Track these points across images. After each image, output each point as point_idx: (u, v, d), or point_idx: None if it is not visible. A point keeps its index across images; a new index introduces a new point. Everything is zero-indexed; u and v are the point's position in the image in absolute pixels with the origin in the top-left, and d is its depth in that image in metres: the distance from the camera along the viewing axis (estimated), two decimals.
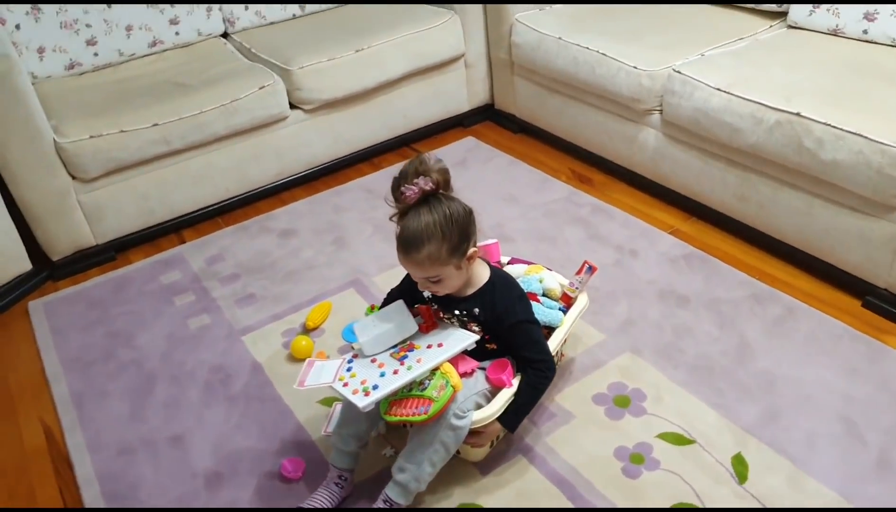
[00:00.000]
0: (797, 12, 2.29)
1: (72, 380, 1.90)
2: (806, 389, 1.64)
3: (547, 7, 2.77)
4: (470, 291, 1.47)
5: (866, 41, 2.14)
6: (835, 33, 2.21)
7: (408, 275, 1.57)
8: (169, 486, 1.57)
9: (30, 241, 2.27)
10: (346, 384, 1.38)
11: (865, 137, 1.68)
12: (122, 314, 2.12)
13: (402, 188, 1.32)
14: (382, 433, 1.63)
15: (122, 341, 2.02)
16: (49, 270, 2.34)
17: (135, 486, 1.58)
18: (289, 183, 2.71)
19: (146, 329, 2.06)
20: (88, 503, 1.54)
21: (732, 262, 2.09)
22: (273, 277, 2.23)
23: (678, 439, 1.57)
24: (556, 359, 1.67)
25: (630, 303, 1.97)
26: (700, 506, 1.42)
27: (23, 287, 2.26)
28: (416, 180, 1.31)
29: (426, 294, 1.51)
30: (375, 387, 1.34)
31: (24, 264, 2.26)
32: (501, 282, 1.49)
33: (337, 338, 1.95)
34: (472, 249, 1.39)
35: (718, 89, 2.00)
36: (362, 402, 1.31)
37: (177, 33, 2.81)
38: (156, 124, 2.29)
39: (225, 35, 2.95)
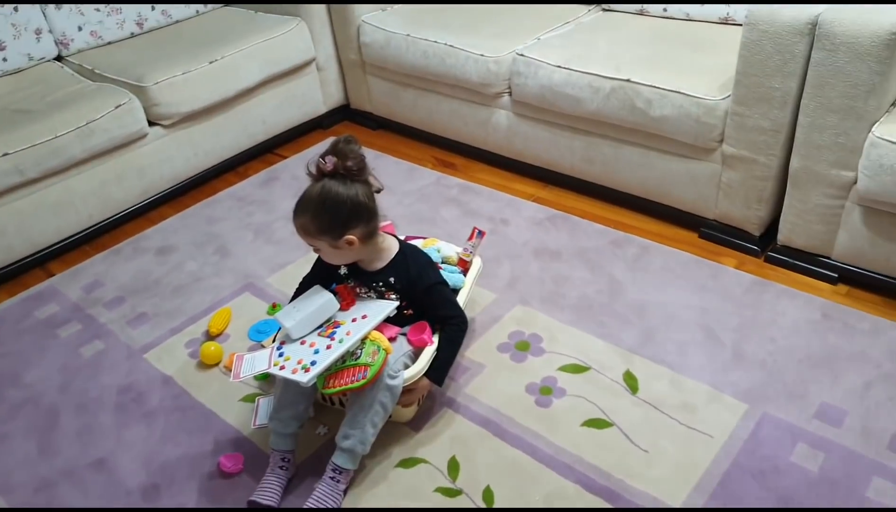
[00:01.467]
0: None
1: None
2: (669, 309, 1.93)
3: (388, 7, 2.93)
4: (382, 264, 1.59)
5: (667, 17, 2.52)
6: (641, 13, 2.58)
7: (318, 259, 1.66)
8: (102, 507, 1.54)
9: None
10: (282, 367, 1.44)
11: (684, 94, 2.01)
12: (0, 356, 1.99)
13: (318, 158, 1.43)
14: (311, 415, 1.70)
15: (7, 383, 1.90)
16: None
17: None
18: (155, 201, 2.65)
19: (33, 366, 1.95)
20: None
21: (589, 216, 2.37)
22: (161, 294, 2.19)
23: (576, 368, 1.79)
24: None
25: (511, 263, 2.18)
26: (607, 419, 1.64)
27: None
28: (327, 157, 1.42)
29: (342, 270, 1.61)
30: (314, 363, 1.42)
31: None
32: (411, 251, 1.63)
33: (243, 340, 1.97)
34: (349, 236, 1.47)
35: (559, 66, 2.27)
36: (304, 377, 1.39)
37: (4, 59, 2.64)
38: (6, 154, 2.16)
39: (59, 58, 2.81)
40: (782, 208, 2.00)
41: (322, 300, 1.56)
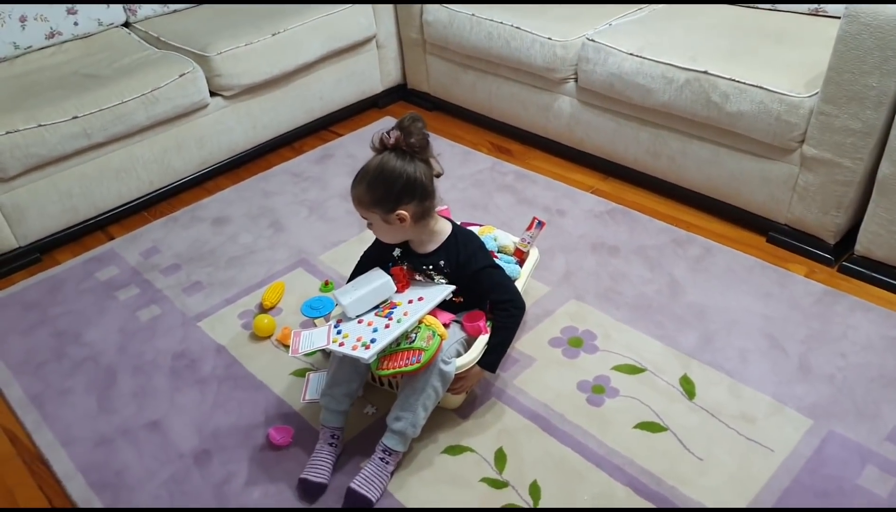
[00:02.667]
0: None
1: (25, 382, 1.81)
2: (731, 315, 1.87)
3: None
4: (433, 247, 1.57)
5: (750, 5, 2.41)
6: None
7: (376, 238, 1.64)
8: (157, 468, 1.57)
9: None
10: (341, 344, 1.44)
11: (765, 89, 1.92)
12: (64, 314, 2.04)
13: (383, 132, 1.44)
14: (360, 394, 1.69)
15: (70, 340, 1.95)
16: None
17: (120, 472, 1.56)
18: (212, 171, 2.67)
19: (93, 325, 1.99)
20: (74, 495, 1.51)
21: (651, 213, 2.30)
22: (216, 264, 2.21)
23: (631, 369, 1.74)
24: None
25: (567, 256, 2.13)
26: (661, 423, 1.60)
27: None
28: (391, 131, 1.42)
29: (395, 252, 1.59)
30: (373, 340, 1.41)
31: None
32: (462, 235, 1.60)
33: (296, 315, 1.98)
34: (400, 212, 1.46)
35: (631, 54, 2.20)
36: (366, 354, 1.39)
37: (75, 24, 2.68)
38: (75, 117, 2.20)
39: (127, 24, 2.85)
40: (864, 217, 1.90)
41: (379, 281, 1.54)
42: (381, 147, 1.47)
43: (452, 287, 1.55)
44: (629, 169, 2.44)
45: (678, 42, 2.19)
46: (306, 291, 2.06)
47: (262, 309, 2.00)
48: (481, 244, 1.64)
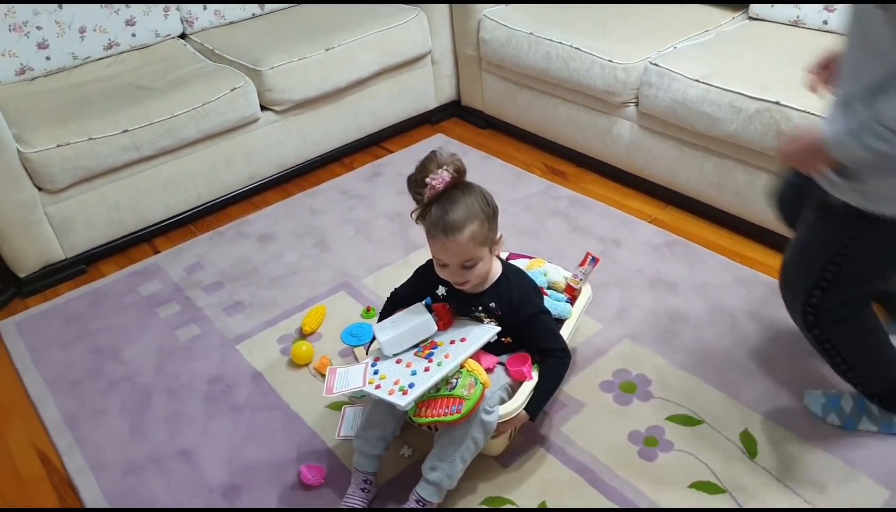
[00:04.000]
0: (758, 5, 2.39)
1: (60, 400, 1.80)
2: (800, 366, 1.72)
3: (513, 3, 2.79)
4: (483, 287, 1.48)
5: (826, 31, 2.25)
6: (795, 24, 2.32)
7: (415, 274, 1.57)
8: (184, 500, 1.52)
9: None
10: (378, 387, 1.36)
11: None
12: (104, 329, 2.03)
13: (428, 180, 1.32)
14: (397, 434, 1.62)
15: (108, 357, 1.93)
16: (16, 288, 2.22)
17: (149, 503, 1.52)
18: (261, 186, 2.65)
19: (132, 343, 1.97)
20: None
21: (713, 247, 2.17)
22: (259, 284, 2.17)
23: (688, 420, 1.62)
24: None
25: (621, 292, 2.02)
26: (718, 484, 1.47)
27: None
28: (438, 171, 1.32)
29: (440, 292, 1.51)
30: (412, 385, 1.33)
31: None
32: (514, 274, 1.51)
33: (335, 342, 1.92)
34: (499, 233, 1.42)
35: (696, 80, 2.07)
36: (403, 401, 1.31)
37: (133, 35, 2.70)
38: (125, 130, 2.20)
39: (183, 36, 2.86)
40: None
41: (420, 319, 1.47)
42: (438, 191, 1.34)
43: (497, 328, 1.46)
44: (691, 198, 2.31)
45: (748, 69, 2.06)
46: (348, 317, 2.00)
47: (302, 334, 1.94)
48: (533, 284, 1.55)
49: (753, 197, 2.09)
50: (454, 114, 3.15)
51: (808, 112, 1.83)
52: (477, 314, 1.49)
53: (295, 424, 1.68)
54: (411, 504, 1.40)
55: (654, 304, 1.96)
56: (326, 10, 2.92)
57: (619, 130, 2.42)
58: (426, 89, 2.98)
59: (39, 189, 2.13)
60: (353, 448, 1.47)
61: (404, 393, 1.32)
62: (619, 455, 1.55)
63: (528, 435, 1.60)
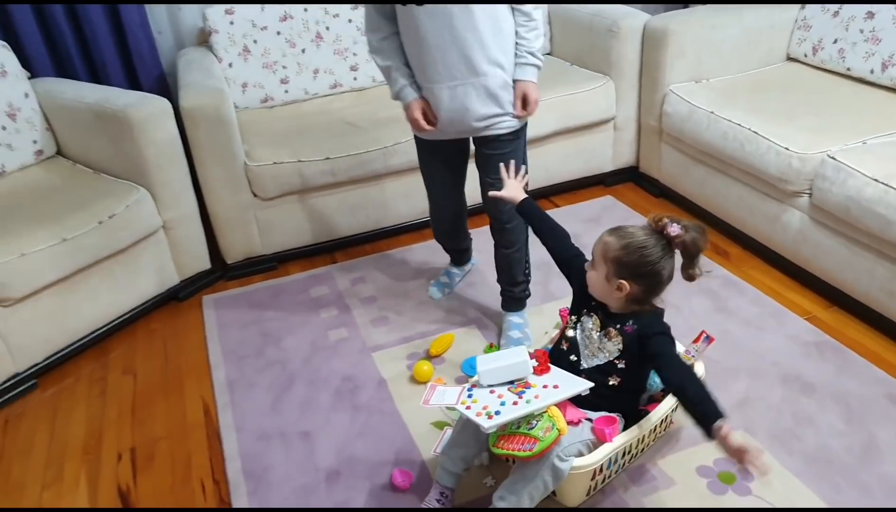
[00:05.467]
0: None
1: (228, 368, 2.18)
2: None
3: (703, 81, 2.82)
4: (628, 310, 1.60)
5: None
6: None
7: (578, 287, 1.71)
8: (294, 475, 1.77)
9: (212, 244, 2.63)
10: (468, 407, 1.52)
11: None
12: (275, 319, 2.40)
13: (671, 221, 1.52)
14: (486, 464, 1.73)
15: (271, 342, 2.28)
16: (223, 271, 2.69)
17: (267, 469, 1.80)
18: (428, 221, 2.91)
19: (293, 334, 2.31)
20: (231, 476, 1.78)
21: (871, 357, 2.01)
22: (406, 304, 2.42)
23: None
24: (664, 426, 1.71)
25: (750, 381, 1.95)
26: None
27: (201, 282, 2.63)
28: (682, 224, 1.51)
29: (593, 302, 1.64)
30: (498, 412, 1.46)
31: (205, 263, 2.63)
32: (656, 314, 1.62)
33: (455, 368, 2.09)
34: (622, 283, 1.54)
35: (875, 180, 1.96)
36: (487, 423, 1.44)
37: (355, 78, 3.14)
38: (328, 158, 2.58)
39: None
40: None
41: (519, 359, 1.59)
42: (658, 229, 1.53)
43: (590, 384, 1.53)
44: (857, 301, 2.16)
45: None
46: (472, 349, 2.16)
47: (428, 355, 2.14)
48: (668, 327, 1.62)
49: None
50: (630, 179, 3.20)
51: None
52: (612, 329, 1.59)
53: (401, 431, 1.87)
54: None
55: (783, 401, 1.87)
56: None
57: (789, 219, 2.33)
58: (604, 152, 3.08)
59: (254, 195, 2.59)
60: (438, 463, 1.62)
61: (490, 417, 1.46)
62: None
63: (607, 494, 1.63)
